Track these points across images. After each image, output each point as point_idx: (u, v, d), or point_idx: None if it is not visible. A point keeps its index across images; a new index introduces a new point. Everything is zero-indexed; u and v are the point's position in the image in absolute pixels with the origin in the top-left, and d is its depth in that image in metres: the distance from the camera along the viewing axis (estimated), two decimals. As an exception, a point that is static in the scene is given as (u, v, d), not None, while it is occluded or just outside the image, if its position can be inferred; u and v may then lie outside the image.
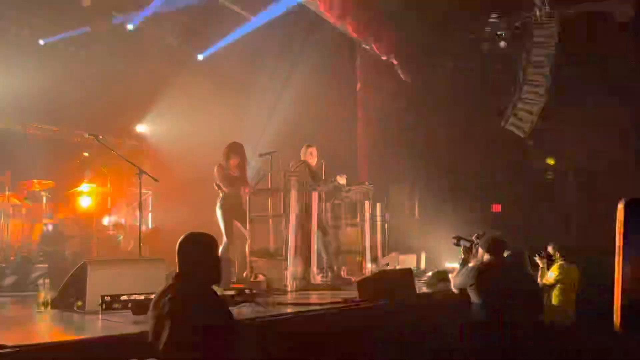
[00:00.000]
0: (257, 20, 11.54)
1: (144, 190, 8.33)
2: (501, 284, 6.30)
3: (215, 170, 8.82)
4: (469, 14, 11.87)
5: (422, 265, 11.11)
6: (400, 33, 11.90)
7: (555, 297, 8.45)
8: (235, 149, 8.98)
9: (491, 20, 12.40)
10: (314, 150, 9.59)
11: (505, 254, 6.91)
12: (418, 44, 12.59)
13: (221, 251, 8.37)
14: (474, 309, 6.45)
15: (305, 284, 8.55)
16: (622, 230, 0.99)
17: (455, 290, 6.66)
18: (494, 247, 6.53)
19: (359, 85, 13.05)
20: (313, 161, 9.54)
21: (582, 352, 7.38)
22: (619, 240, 0.99)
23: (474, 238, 8.20)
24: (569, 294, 8.46)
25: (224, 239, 8.70)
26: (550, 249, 8.82)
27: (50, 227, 9.90)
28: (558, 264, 8.58)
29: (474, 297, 6.41)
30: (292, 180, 8.75)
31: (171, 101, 12.42)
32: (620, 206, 0.99)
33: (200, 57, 12.86)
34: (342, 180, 9.55)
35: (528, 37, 11.76)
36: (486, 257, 6.63)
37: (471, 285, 6.36)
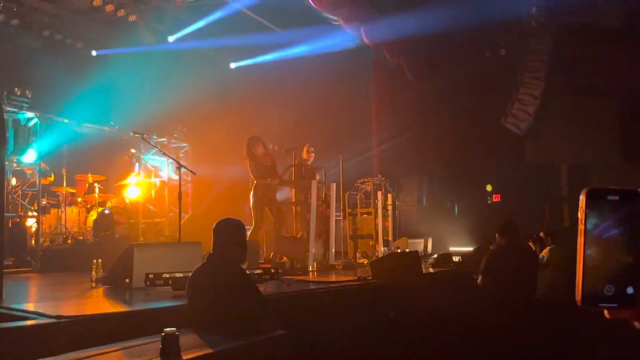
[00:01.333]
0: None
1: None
2: (512, 264, 6.40)
3: (248, 164, 8.90)
4: (473, 24, 11.80)
5: (429, 249, 11.11)
6: (408, 40, 11.86)
7: (546, 278, 8.41)
8: (256, 139, 9.04)
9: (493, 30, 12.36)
10: (309, 149, 9.66)
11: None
12: (426, 50, 12.54)
13: (252, 235, 8.48)
14: (485, 286, 6.49)
15: (325, 264, 8.62)
16: (583, 215, 1.03)
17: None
18: (506, 230, 6.66)
19: (372, 89, 13.03)
20: (309, 159, 9.61)
21: (574, 328, 7.35)
22: (580, 225, 1.03)
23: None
24: (559, 275, 8.41)
25: (255, 223, 8.79)
26: (542, 234, 8.81)
27: (105, 213, 10.06)
28: (549, 247, 8.55)
29: (487, 276, 6.43)
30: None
31: (207, 104, 12.51)
32: (583, 194, 1.04)
33: (232, 65, 12.93)
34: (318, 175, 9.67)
35: (525, 45, 11.68)
36: (500, 239, 6.70)
37: (487, 266, 6.46)
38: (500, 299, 6.29)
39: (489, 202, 12.57)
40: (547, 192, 12.43)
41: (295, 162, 9.63)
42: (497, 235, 6.86)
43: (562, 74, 11.92)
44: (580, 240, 1.03)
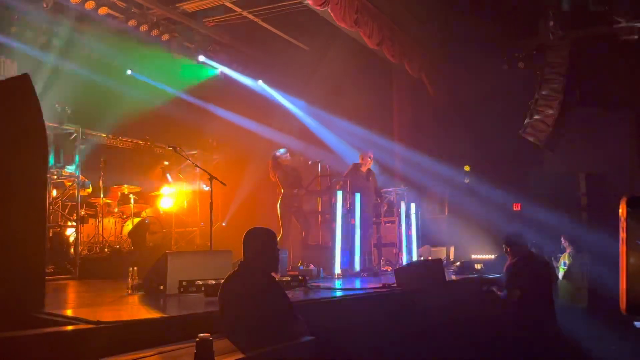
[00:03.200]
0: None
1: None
2: (527, 274, 6.24)
3: (277, 176, 8.92)
4: (491, 38, 11.70)
5: (452, 257, 10.98)
6: (430, 55, 11.79)
7: (568, 282, 8.28)
8: (286, 152, 9.09)
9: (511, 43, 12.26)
10: (365, 155, 9.50)
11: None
12: (445, 63, 12.45)
13: (280, 243, 8.46)
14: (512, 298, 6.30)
15: (350, 272, 8.56)
16: (624, 224, 0.98)
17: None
18: (514, 241, 6.47)
19: (394, 102, 12.97)
20: (365, 165, 9.44)
21: (595, 332, 7.21)
22: (622, 233, 0.98)
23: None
24: (580, 279, 8.29)
25: (283, 232, 8.78)
26: (562, 239, 8.68)
27: (146, 222, 10.15)
28: (568, 252, 8.44)
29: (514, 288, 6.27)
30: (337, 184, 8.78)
31: (235, 116, 12.59)
32: (623, 202, 0.98)
33: (259, 82, 12.98)
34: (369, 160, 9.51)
35: (543, 58, 11.52)
36: (511, 251, 6.49)
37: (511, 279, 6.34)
38: (525, 309, 6.13)
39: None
40: (566, 200, 12.19)
41: (353, 167, 9.51)
42: (505, 247, 6.56)
43: (579, 86, 11.74)
44: (622, 249, 0.98)
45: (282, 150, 9.19)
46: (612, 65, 10.78)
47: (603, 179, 11.43)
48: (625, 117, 11.55)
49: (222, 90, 12.71)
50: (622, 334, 5.49)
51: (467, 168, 12.37)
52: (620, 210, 0.97)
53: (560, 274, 8.39)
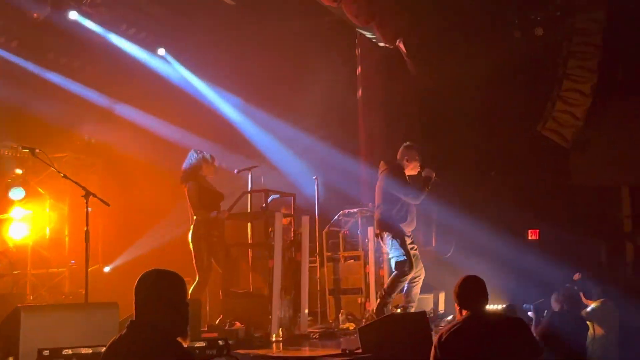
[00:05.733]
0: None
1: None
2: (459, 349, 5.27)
3: (187, 190, 8.80)
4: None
5: (441, 307, 11.05)
6: (410, 16, 11.88)
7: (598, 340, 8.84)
8: (209, 157, 9.02)
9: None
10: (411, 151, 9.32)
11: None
12: (431, 28, 12.57)
13: (195, 291, 8.39)
14: None
15: (295, 332, 8.54)
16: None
17: None
18: (466, 297, 5.69)
19: (360, 85, 13.04)
20: (408, 168, 9.22)
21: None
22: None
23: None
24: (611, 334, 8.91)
25: (200, 275, 8.70)
26: (576, 276, 9.31)
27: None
28: (600, 300, 9.03)
29: None
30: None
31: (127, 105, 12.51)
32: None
33: (161, 50, 12.94)
34: None
35: (570, 22, 11.80)
36: (462, 312, 5.65)
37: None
38: None
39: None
40: (603, 225, 12.51)
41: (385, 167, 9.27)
42: (455, 305, 5.68)
43: (621, 63, 12.06)
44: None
45: (202, 155, 9.06)
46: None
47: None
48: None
49: (105, 67, 12.57)
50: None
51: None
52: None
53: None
